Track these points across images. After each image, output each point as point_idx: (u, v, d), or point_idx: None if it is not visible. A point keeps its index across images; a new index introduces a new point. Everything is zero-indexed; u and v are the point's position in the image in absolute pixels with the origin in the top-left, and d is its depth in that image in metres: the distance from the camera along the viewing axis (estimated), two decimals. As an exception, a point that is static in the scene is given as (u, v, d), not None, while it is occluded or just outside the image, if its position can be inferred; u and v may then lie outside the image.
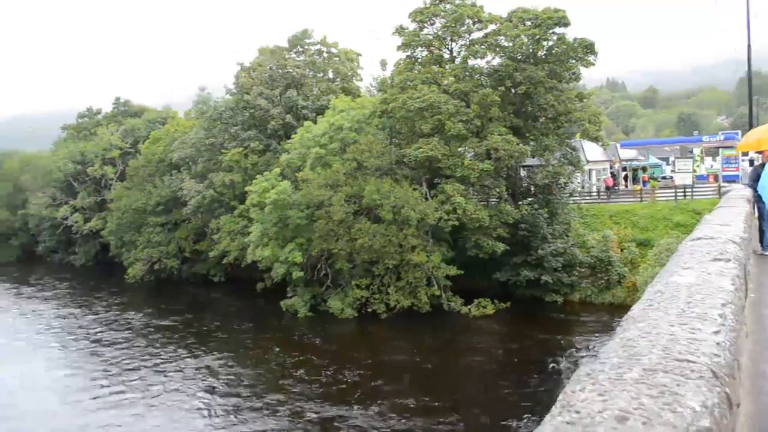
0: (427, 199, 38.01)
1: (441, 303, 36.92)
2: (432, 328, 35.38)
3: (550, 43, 39.59)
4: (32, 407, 25.50)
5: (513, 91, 39.68)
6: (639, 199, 47.53)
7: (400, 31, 41.98)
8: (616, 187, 54.77)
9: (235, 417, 23.36)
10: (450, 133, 37.87)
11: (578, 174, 45.72)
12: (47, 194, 73.62)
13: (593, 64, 40.22)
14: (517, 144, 37.44)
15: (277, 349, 32.49)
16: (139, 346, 34.14)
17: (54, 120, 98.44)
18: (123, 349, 33.75)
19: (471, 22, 40.83)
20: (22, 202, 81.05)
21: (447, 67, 41.64)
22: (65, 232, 70.86)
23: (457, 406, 23.57)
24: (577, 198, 46.87)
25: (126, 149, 69.47)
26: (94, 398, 26.18)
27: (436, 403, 23.99)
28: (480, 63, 41.51)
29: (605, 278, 37.94)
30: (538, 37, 39.03)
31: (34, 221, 77.08)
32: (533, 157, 40.86)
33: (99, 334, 37.55)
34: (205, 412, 24.03)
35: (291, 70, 51.30)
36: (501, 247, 36.90)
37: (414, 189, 38.00)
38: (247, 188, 42.95)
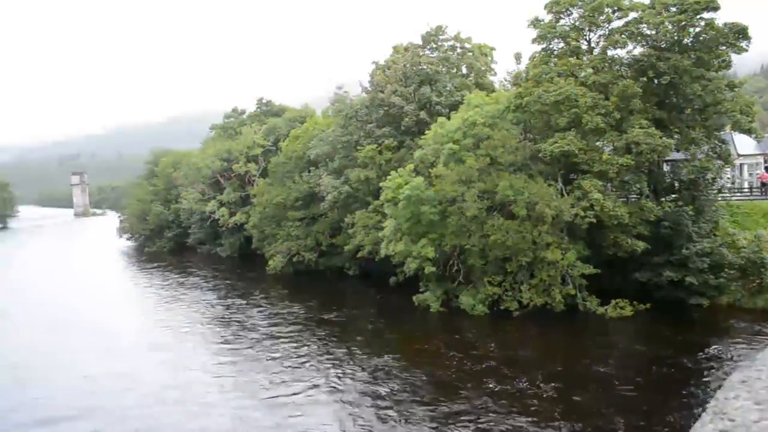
0: (562, 195, 36.89)
1: (576, 302, 35.80)
2: (567, 328, 34.35)
3: (697, 29, 37.12)
4: (223, 403, 25.97)
5: (656, 81, 37.60)
6: (798, 196, 43.82)
7: (535, 23, 40.98)
8: (772, 183, 50.68)
9: (425, 425, 22.71)
10: (587, 126, 36.54)
11: (728, 169, 42.76)
12: (197, 190, 78.63)
13: (746, 50, 37.32)
14: (660, 137, 35.50)
15: (428, 346, 32.66)
16: (307, 341, 34.66)
17: (203, 120, 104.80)
18: (292, 343, 34.39)
19: (610, 10, 39.13)
20: (175, 197, 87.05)
21: (584, 58, 40.17)
22: (212, 225, 75.39)
23: (602, 413, 22.56)
24: (727, 194, 43.84)
25: (268, 147, 72.75)
26: (279, 395, 26.38)
27: (578, 408, 23.30)
28: (620, 53, 39.66)
29: (758, 281, 35.14)
30: (683, 23, 36.75)
31: (185, 215, 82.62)
32: (678, 151, 38.64)
33: (268, 327, 38.56)
34: (390, 418, 23.45)
35: (425, 67, 51.39)
36: (641, 245, 35.21)
37: (549, 185, 37.03)
38: (381, 184, 43.53)
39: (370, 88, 53.31)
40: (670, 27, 36.91)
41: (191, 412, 25.15)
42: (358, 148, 50.96)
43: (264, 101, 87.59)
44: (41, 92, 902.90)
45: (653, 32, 37.60)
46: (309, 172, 57.86)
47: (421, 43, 52.99)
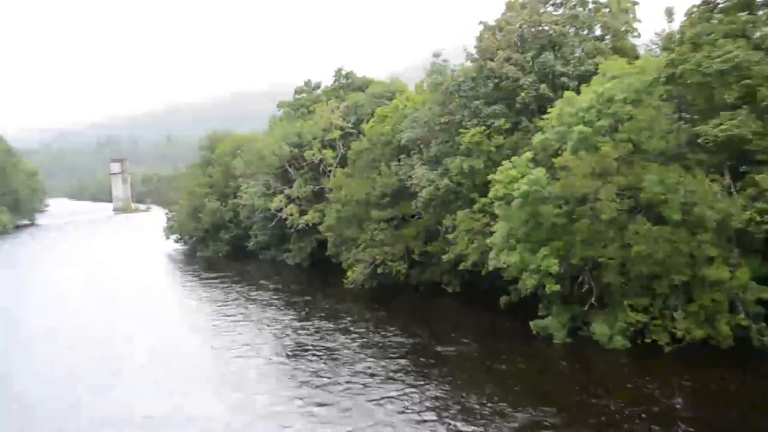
0: (731, 193, 35.56)
1: (749, 336, 34.25)
2: (738, 370, 32.78)
3: None
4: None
5: None
6: None
7: (694, -32, 39.53)
8: None
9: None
10: (764, 103, 34.87)
11: None
12: (260, 182, 79.78)
13: None
14: None
15: (581, 397, 32.04)
16: (420, 382, 34.50)
17: (269, 96, 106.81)
18: (401, 384, 34.34)
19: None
20: (234, 191, 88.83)
21: (760, 13, 38.36)
22: (279, 226, 76.58)
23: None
24: None
25: (348, 129, 73.33)
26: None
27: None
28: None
29: None
30: None
31: (245, 212, 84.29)
32: None
33: (366, 360, 38.56)
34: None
35: (547, 28, 50.49)
36: (841, 264, 33.27)
37: (712, 180, 35.77)
38: (490, 177, 43.15)
39: (476, 56, 52.71)
40: None
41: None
42: (461, 131, 50.44)
43: (343, 73, 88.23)
44: (76, 66, 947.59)
45: None
46: (399, 161, 57.82)
47: (542, -3, 52.01)
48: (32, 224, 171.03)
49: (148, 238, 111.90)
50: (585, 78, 46.30)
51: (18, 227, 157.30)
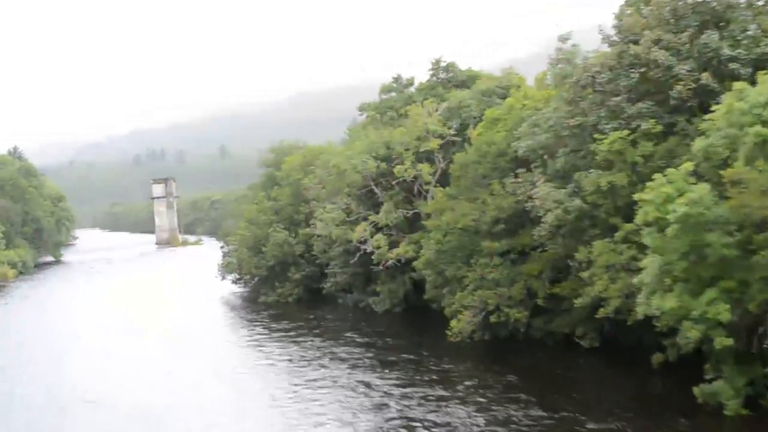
0: None
1: None
2: None
3: None
4: None
5: None
6: None
7: None
8: None
9: None
10: None
11: None
12: (339, 206, 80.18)
13: None
14: None
15: None
16: None
17: (349, 97, 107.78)
18: None
19: None
20: (306, 218, 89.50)
21: None
22: (363, 263, 76.85)
23: None
24: None
25: (449, 137, 73.21)
26: None
27: None
28: None
29: None
30: None
31: (320, 245, 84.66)
32: None
33: None
34: None
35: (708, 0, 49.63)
36: None
37: None
38: (636, 196, 42.22)
39: (616, 38, 52.49)
40: None
41: None
42: (597, 136, 50.00)
43: (443, 65, 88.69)
44: (102, 65, 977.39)
45: None
46: (516, 176, 57.56)
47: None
48: (57, 262, 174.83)
49: (201, 279, 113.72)
50: (761, 63, 45.53)
51: (39, 266, 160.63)
